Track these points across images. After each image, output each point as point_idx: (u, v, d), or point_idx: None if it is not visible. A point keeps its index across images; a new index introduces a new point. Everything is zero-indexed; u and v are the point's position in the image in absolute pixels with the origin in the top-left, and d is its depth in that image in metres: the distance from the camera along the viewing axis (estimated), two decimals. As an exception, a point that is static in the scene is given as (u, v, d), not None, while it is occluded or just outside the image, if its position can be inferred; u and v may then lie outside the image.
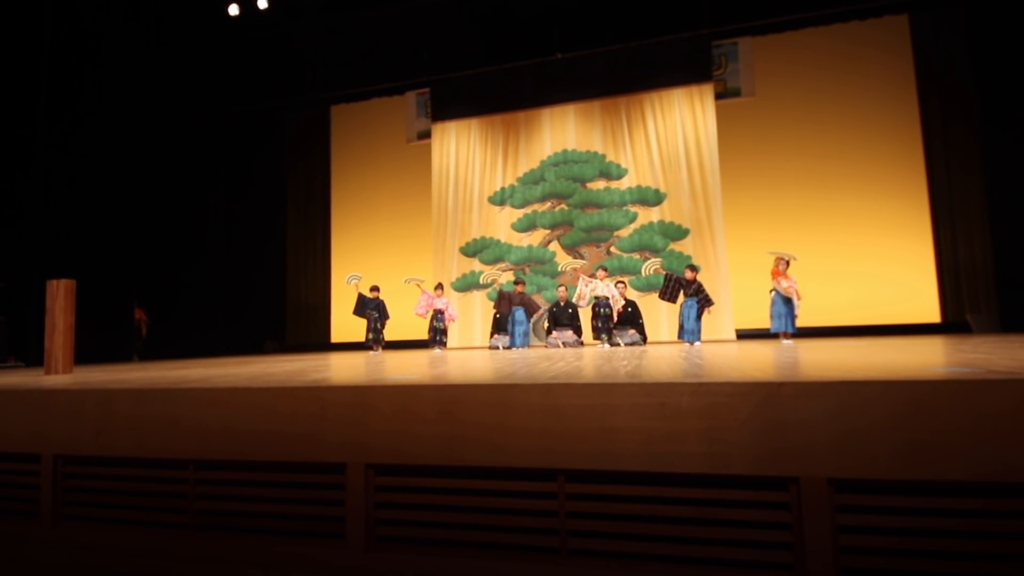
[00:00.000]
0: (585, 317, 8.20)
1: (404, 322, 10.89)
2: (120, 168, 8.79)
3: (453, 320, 8.82)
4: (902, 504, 1.69)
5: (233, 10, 10.42)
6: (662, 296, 7.42)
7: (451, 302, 9.05)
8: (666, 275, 7.43)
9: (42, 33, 7.87)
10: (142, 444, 2.44)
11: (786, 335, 6.60)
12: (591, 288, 7.78)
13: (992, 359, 2.54)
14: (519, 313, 8.17)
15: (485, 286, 10.32)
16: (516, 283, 8.55)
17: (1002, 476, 1.61)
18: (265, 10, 10.41)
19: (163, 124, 9.82)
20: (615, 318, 7.75)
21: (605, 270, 8.02)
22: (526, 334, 8.19)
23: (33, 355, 7.18)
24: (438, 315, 8.49)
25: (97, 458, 2.54)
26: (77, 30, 8.25)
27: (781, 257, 6.76)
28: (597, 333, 7.66)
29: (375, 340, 8.45)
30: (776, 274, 6.70)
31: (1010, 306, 8.19)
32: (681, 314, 7.27)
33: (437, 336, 8.47)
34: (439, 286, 8.78)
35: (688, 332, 7.14)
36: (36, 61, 7.86)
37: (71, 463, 2.60)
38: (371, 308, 8.51)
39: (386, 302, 8.69)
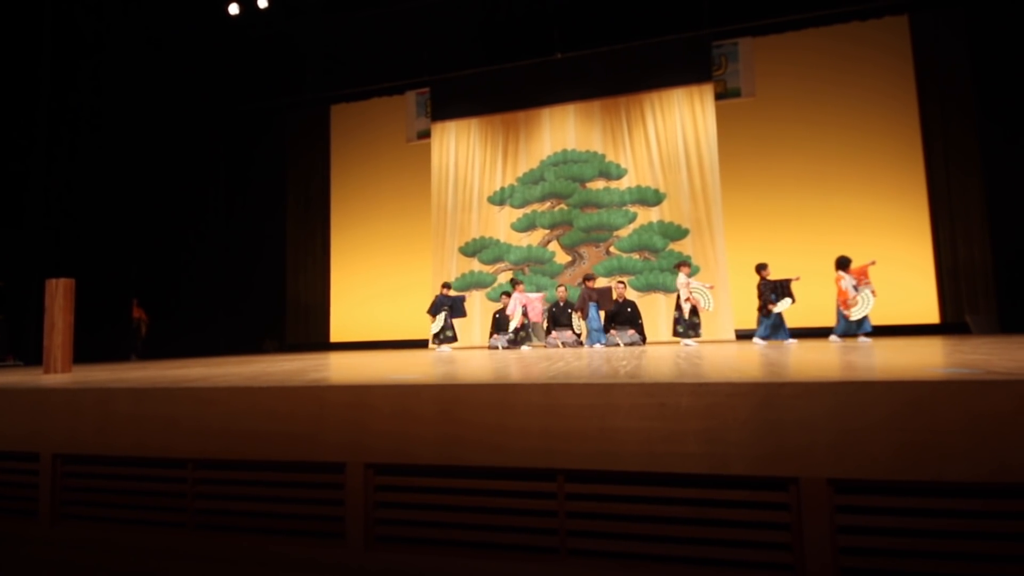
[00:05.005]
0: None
1: (405, 322, 10.92)
2: (120, 167, 8.78)
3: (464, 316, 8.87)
4: (901, 505, 1.69)
5: (233, 9, 10.41)
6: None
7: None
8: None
9: (43, 31, 7.87)
10: (141, 443, 2.44)
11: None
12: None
13: (991, 360, 2.54)
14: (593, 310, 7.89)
15: (484, 285, 10.33)
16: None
17: (1001, 477, 1.61)
18: (265, 9, 10.41)
19: (162, 123, 9.81)
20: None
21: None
22: (598, 331, 7.85)
23: (32, 354, 7.17)
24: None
25: (96, 457, 2.54)
26: (77, 28, 8.24)
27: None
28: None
29: (444, 339, 8.49)
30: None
31: (1009, 307, 8.20)
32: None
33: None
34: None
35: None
36: (37, 59, 7.85)
37: (70, 462, 2.60)
38: (446, 305, 8.55)
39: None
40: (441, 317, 8.50)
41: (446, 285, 8.84)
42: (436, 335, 8.55)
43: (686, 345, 6.79)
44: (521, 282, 8.67)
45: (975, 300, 8.48)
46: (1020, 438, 1.60)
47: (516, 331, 8.24)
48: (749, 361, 3.11)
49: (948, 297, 8.60)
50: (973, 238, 8.57)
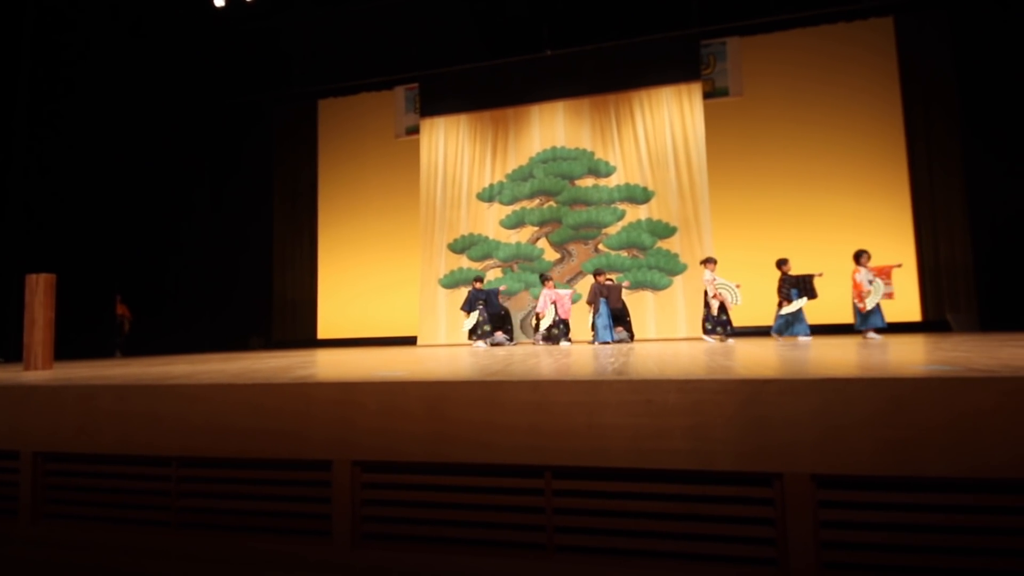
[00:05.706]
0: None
1: (393, 319, 10.87)
2: (103, 161, 8.63)
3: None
4: (883, 500, 1.72)
5: (219, 1, 10.27)
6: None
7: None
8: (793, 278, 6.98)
9: (24, 23, 7.71)
10: (124, 441, 2.41)
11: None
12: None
13: (971, 357, 2.58)
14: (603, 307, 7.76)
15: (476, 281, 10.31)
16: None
17: (981, 472, 1.64)
18: (252, 2, 10.28)
19: (147, 117, 9.67)
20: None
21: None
22: (606, 327, 7.72)
23: (12, 351, 7.04)
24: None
25: (78, 455, 2.51)
26: (60, 20, 8.08)
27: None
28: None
29: (482, 334, 8.31)
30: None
31: (989, 305, 8.35)
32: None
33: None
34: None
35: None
36: (17, 52, 7.69)
37: (51, 460, 2.56)
38: (480, 300, 8.41)
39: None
40: (476, 312, 8.39)
41: (478, 279, 8.72)
42: (472, 330, 8.36)
43: (711, 341, 6.70)
44: (551, 278, 8.39)
45: (956, 299, 8.62)
46: (1000, 434, 1.63)
47: (549, 328, 8.09)
48: (735, 358, 3.13)
49: (930, 296, 8.74)
50: (955, 238, 8.71)
